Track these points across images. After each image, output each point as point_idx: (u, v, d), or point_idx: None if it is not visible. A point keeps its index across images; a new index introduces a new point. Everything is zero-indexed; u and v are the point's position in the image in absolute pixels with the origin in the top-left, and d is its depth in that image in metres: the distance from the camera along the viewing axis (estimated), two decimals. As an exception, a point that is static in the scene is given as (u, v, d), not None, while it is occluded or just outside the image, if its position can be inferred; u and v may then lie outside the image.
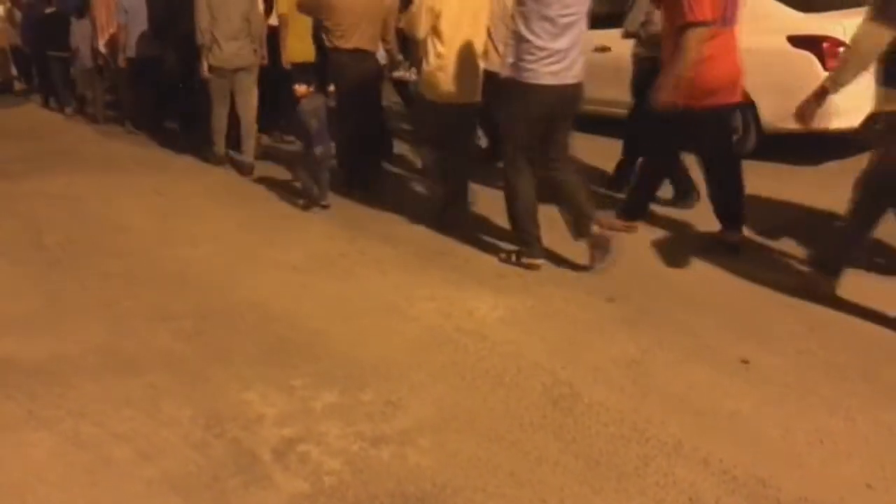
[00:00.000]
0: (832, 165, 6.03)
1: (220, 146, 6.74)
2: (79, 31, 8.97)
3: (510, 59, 4.07)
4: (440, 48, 4.65)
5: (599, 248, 4.19)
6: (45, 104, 10.47)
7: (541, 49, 3.94)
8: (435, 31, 4.64)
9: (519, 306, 3.88)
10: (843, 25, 5.78)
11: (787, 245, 4.49)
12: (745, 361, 3.29)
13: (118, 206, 5.78)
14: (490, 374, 3.27)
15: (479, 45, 4.78)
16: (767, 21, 6.06)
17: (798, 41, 5.81)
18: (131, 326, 3.77)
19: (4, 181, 6.47)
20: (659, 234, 4.80)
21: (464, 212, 5.09)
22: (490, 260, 4.49)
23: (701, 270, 4.24)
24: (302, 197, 5.63)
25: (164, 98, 7.75)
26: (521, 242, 4.35)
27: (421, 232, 5.00)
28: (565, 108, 4.14)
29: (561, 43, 3.94)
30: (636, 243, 4.64)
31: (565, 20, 3.92)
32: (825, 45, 5.73)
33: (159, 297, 4.09)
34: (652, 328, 3.61)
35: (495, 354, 3.42)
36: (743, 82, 4.40)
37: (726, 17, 4.16)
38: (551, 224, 4.60)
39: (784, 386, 3.11)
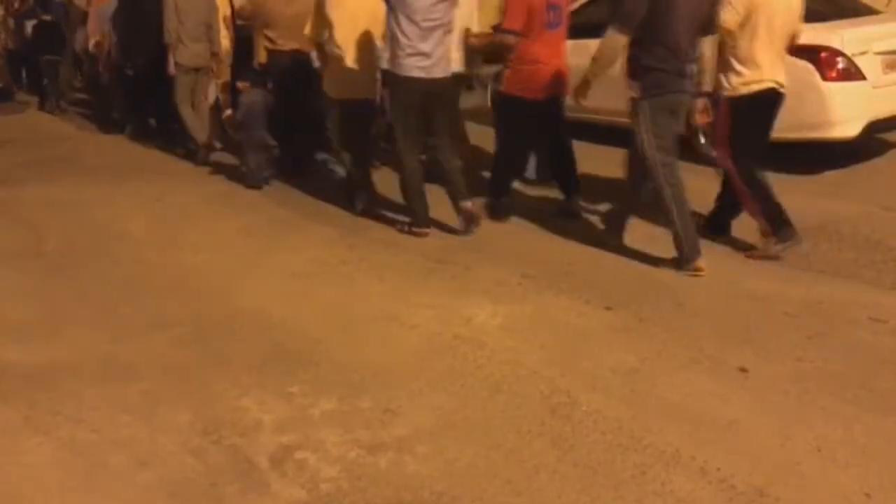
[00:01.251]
0: (832, 174, 6.04)
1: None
2: (81, 37, 9.56)
3: (387, 56, 4.89)
4: (336, 51, 5.31)
5: (468, 220, 5.02)
6: (42, 107, 10.73)
7: (411, 48, 4.71)
8: (331, 36, 5.30)
9: (517, 314, 3.88)
10: (842, 35, 5.81)
11: (786, 254, 4.49)
12: (744, 370, 3.29)
13: (118, 212, 5.79)
14: (488, 381, 3.27)
15: (375, 46, 5.36)
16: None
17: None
18: (130, 333, 3.77)
19: (5, 187, 6.47)
20: (657, 242, 4.81)
21: (372, 198, 5.63)
22: (490, 268, 4.49)
23: (699, 279, 4.24)
24: (245, 177, 6.39)
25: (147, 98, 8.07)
26: (411, 213, 5.11)
27: (420, 239, 5.00)
28: (437, 98, 4.91)
29: (427, 44, 4.73)
30: (635, 251, 4.65)
31: (428, 24, 4.70)
32: (823, 54, 5.75)
33: (158, 304, 4.09)
34: (650, 336, 3.61)
35: (494, 362, 3.42)
36: (568, 78, 5.18)
37: (549, 23, 5.04)
38: (552, 233, 4.62)
39: (782, 394, 3.11)
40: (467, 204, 5.01)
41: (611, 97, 5.44)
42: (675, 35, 4.17)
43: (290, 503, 2.55)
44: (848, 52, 5.77)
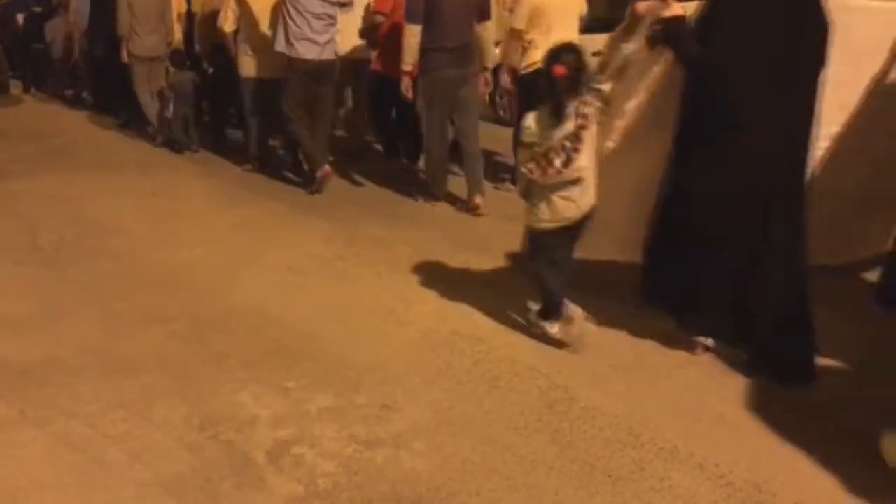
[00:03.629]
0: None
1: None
2: (52, 27, 10.56)
3: (282, 40, 5.73)
4: (247, 38, 6.28)
5: (322, 182, 5.97)
6: (27, 91, 11.53)
7: (301, 34, 5.65)
8: (248, 24, 6.24)
9: (515, 310, 3.86)
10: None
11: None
12: (742, 365, 3.28)
13: (114, 207, 5.76)
14: (485, 377, 3.26)
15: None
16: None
17: None
18: (125, 328, 3.75)
19: (0, 181, 6.44)
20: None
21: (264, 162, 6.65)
22: (488, 264, 4.48)
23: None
24: (175, 145, 7.43)
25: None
26: (308, 161, 6.14)
27: (418, 235, 4.99)
28: (321, 77, 5.89)
29: (314, 31, 5.67)
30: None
31: (312, 14, 5.62)
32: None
33: (154, 299, 4.07)
34: (649, 332, 3.60)
35: (491, 358, 3.41)
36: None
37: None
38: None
39: (780, 390, 3.10)
40: (324, 168, 6.00)
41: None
42: (447, 23, 5.16)
43: (286, 498, 2.54)
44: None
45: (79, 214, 5.58)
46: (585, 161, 3.24)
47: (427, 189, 5.81)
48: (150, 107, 7.76)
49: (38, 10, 11.31)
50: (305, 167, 6.30)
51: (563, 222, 3.37)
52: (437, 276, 4.31)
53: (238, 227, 5.28)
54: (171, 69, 7.50)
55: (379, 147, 7.20)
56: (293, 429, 2.90)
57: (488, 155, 6.87)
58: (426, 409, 3.03)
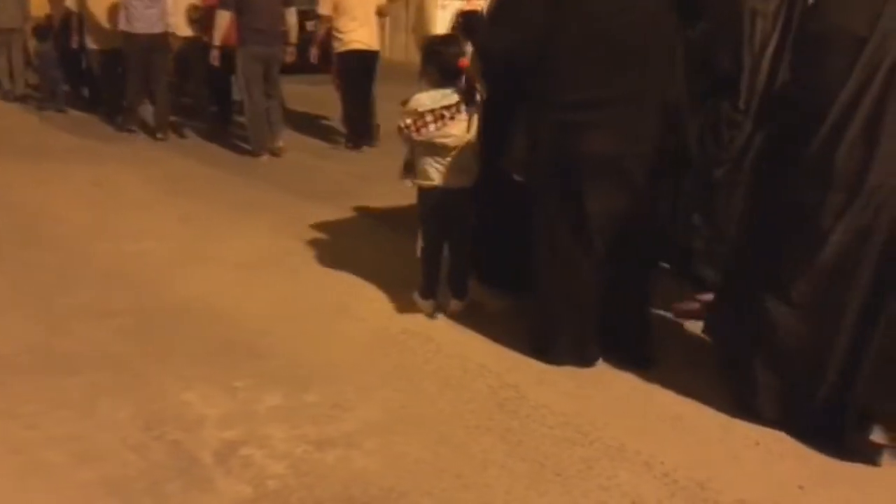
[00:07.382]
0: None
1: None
2: None
3: (123, 20, 7.28)
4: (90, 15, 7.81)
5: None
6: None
7: (137, 14, 7.21)
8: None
9: (466, 308, 3.88)
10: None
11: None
12: (689, 365, 3.36)
13: (52, 196, 5.60)
14: (436, 376, 3.27)
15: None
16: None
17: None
18: (67, 324, 3.65)
19: (-70, 168, 6.20)
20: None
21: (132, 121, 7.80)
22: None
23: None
24: (45, 105, 8.79)
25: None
26: (125, 114, 7.84)
27: (370, 230, 4.98)
28: (155, 48, 7.38)
29: (147, 10, 7.21)
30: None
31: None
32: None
33: (97, 294, 3.97)
34: (596, 331, 3.66)
35: (441, 356, 3.43)
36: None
37: None
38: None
39: (724, 389, 3.19)
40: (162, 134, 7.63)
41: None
42: (257, 9, 6.50)
43: (234, 500, 2.50)
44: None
45: (15, 204, 5.41)
46: (456, 131, 3.57)
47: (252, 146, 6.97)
48: (3, 74, 9.36)
49: None
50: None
51: (430, 182, 3.68)
52: (387, 272, 4.29)
53: (184, 220, 5.18)
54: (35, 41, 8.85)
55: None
56: (241, 429, 2.87)
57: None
58: (377, 408, 3.03)
